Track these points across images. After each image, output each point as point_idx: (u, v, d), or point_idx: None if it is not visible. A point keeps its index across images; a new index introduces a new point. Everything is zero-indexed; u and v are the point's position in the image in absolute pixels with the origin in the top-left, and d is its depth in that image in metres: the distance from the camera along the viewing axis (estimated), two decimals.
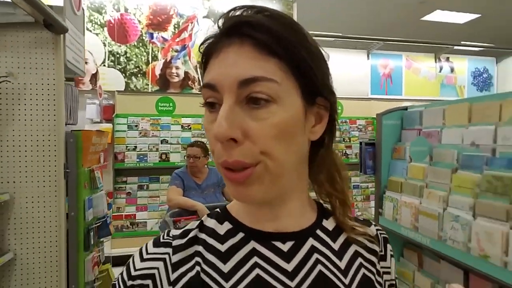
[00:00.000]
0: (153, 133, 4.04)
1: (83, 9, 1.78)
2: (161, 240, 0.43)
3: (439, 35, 6.22)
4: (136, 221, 3.94)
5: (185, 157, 2.68)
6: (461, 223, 1.20)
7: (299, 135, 0.39)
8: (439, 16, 6.15)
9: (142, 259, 0.42)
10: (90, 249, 1.63)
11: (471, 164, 1.24)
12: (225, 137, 0.34)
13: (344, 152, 4.14)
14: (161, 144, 4.05)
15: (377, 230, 0.50)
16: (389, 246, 0.50)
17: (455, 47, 4.76)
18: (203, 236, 0.43)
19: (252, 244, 0.41)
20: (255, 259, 0.41)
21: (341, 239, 0.46)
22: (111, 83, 3.93)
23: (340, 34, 4.57)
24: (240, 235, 0.42)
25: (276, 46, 0.36)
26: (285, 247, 0.42)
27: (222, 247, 0.42)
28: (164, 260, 0.41)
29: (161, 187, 4.08)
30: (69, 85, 1.65)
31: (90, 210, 1.61)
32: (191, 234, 0.44)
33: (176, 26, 4.18)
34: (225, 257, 0.41)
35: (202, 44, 0.40)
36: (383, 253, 0.49)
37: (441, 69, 4.78)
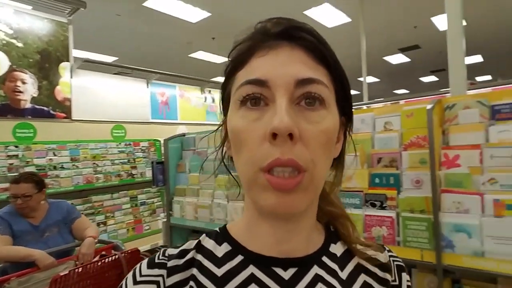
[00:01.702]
0: None
1: None
2: (156, 260, 0.41)
3: (203, 71, 7.73)
4: None
5: (9, 198, 1.95)
6: (221, 207, 1.93)
7: (333, 147, 0.38)
8: (201, 55, 7.69)
9: (135, 282, 0.39)
10: None
11: (224, 170, 2.01)
12: (288, 130, 0.32)
13: (130, 172, 4.41)
14: None
15: (390, 256, 0.46)
16: (404, 276, 0.46)
17: (216, 82, 6.14)
18: (199, 257, 0.41)
19: (251, 269, 0.39)
20: (253, 286, 0.38)
21: (349, 267, 0.42)
22: None
23: (118, 64, 4.89)
24: (239, 258, 0.40)
25: (326, 54, 0.37)
26: (286, 274, 0.39)
27: (219, 271, 0.39)
28: (157, 283, 0.39)
29: None
30: None
31: None
32: (188, 256, 0.41)
33: None
34: (221, 282, 0.39)
35: (239, 44, 0.39)
36: (397, 283, 0.45)
37: (205, 99, 6.01)
